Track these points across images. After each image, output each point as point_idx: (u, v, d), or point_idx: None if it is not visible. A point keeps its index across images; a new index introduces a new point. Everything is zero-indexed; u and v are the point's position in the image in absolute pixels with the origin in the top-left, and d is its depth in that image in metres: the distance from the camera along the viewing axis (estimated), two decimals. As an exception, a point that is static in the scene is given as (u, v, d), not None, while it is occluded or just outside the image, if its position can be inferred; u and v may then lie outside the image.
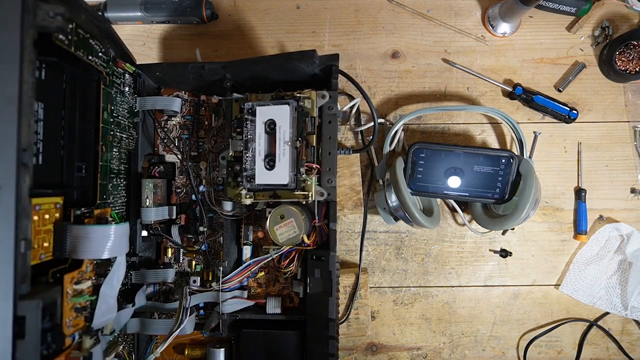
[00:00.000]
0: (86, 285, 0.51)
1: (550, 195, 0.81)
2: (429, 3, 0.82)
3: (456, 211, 0.79)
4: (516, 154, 0.71)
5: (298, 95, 0.64)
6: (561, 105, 0.78)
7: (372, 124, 0.73)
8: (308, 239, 0.65)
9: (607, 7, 0.81)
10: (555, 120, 0.80)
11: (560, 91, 0.81)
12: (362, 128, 0.80)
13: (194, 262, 0.74)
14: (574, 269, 0.80)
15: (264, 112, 0.63)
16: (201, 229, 0.72)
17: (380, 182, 0.76)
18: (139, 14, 0.78)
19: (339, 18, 0.82)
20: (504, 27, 0.80)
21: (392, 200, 0.70)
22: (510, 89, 0.80)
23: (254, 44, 0.82)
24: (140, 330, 0.67)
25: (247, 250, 0.73)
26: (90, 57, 0.55)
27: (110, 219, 0.58)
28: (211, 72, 0.68)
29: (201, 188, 0.72)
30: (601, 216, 0.81)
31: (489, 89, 0.81)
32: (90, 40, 0.55)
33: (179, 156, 0.73)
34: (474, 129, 0.81)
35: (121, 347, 0.66)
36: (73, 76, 0.53)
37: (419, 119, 0.81)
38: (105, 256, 0.51)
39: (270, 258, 0.70)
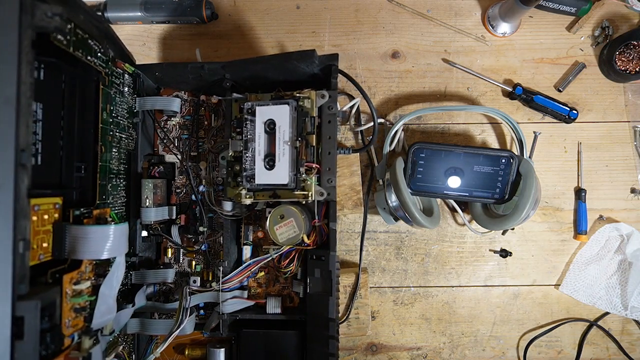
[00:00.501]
0: (85, 285, 0.51)
1: (550, 195, 0.81)
2: (429, 3, 0.82)
3: (456, 211, 0.79)
4: (516, 154, 0.71)
5: (298, 95, 0.64)
6: (561, 105, 0.78)
7: (372, 123, 0.72)
8: (308, 238, 0.65)
9: (607, 7, 0.81)
10: (555, 120, 0.80)
11: (560, 91, 0.81)
12: (362, 128, 0.80)
13: (194, 262, 0.73)
14: (574, 269, 0.80)
15: (263, 112, 0.63)
16: (201, 229, 0.72)
17: (380, 182, 0.76)
18: (139, 14, 0.78)
19: (339, 18, 0.82)
20: (504, 27, 0.80)
21: (392, 200, 0.70)
22: (510, 89, 0.80)
23: (254, 44, 0.82)
24: (140, 330, 0.67)
25: (247, 250, 0.73)
26: (89, 58, 0.55)
27: (109, 219, 0.58)
28: (211, 72, 0.68)
29: (201, 188, 0.72)
30: (601, 216, 0.81)
31: (489, 89, 0.81)
32: (89, 41, 0.55)
33: (179, 156, 0.73)
34: (474, 129, 0.81)
35: (121, 347, 0.66)
36: (72, 76, 0.53)
37: (419, 119, 0.81)
38: (105, 256, 0.51)
39: (270, 258, 0.70)
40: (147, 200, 0.68)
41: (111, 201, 0.63)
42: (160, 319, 0.72)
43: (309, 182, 0.63)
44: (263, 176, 0.63)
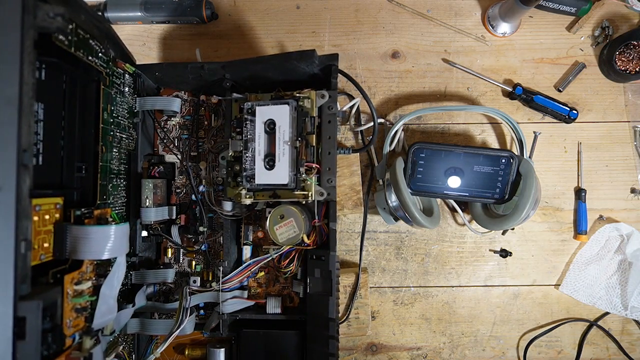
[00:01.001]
0: (86, 285, 0.51)
1: (550, 195, 0.81)
2: (429, 3, 0.82)
3: (456, 211, 0.79)
4: (516, 154, 0.71)
5: (298, 95, 0.64)
6: (561, 105, 0.78)
7: (372, 123, 0.73)
8: (308, 238, 0.65)
9: (607, 7, 0.81)
10: (555, 120, 0.80)
11: (560, 91, 0.81)
12: (362, 128, 0.80)
13: (194, 262, 0.74)
14: (574, 269, 0.80)
15: (263, 112, 0.63)
16: (201, 229, 0.72)
17: (380, 182, 0.76)
18: (139, 14, 0.78)
19: (339, 18, 0.82)
20: (504, 27, 0.80)
21: (392, 200, 0.70)
22: (510, 89, 0.80)
23: (254, 44, 0.82)
24: (140, 330, 0.67)
25: (247, 250, 0.73)
26: (90, 58, 0.55)
27: (110, 219, 0.58)
28: (211, 72, 0.68)
29: (201, 188, 0.72)
30: (601, 216, 0.81)
31: (489, 89, 0.81)
32: (90, 41, 0.55)
33: (179, 156, 0.73)
34: (474, 129, 0.81)
35: (121, 347, 0.66)
36: (73, 76, 0.53)
37: (419, 119, 0.81)
38: (105, 257, 0.51)
39: (270, 258, 0.70)
40: (147, 200, 0.68)
41: (112, 201, 0.63)
42: (160, 319, 0.72)
43: (309, 182, 0.63)
44: (263, 176, 0.63)
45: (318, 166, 0.63)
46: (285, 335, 0.68)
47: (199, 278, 0.72)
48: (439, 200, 0.79)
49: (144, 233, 0.71)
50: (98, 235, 0.50)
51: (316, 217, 0.66)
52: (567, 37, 0.82)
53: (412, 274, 0.81)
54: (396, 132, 0.77)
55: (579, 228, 0.79)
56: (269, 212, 0.66)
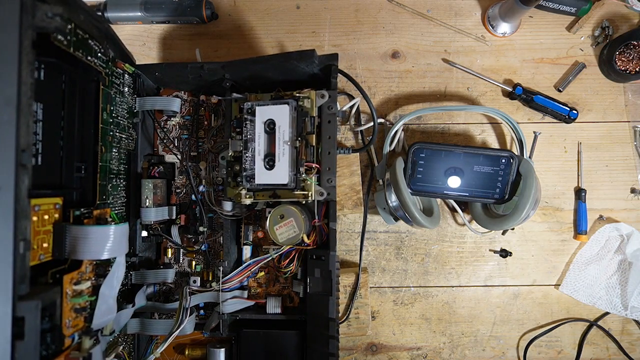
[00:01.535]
0: (85, 285, 0.51)
1: (550, 195, 0.81)
2: (429, 3, 0.82)
3: (456, 211, 0.79)
4: (516, 154, 0.71)
5: (297, 95, 0.64)
6: (561, 105, 0.78)
7: (372, 123, 0.73)
8: (308, 238, 0.65)
9: (607, 7, 0.81)
10: (555, 120, 0.80)
11: (560, 91, 0.81)
12: (362, 128, 0.80)
13: (194, 262, 0.73)
14: (574, 269, 0.80)
15: (263, 112, 0.63)
16: (201, 229, 0.72)
17: (380, 182, 0.76)
18: (139, 14, 0.78)
19: (339, 18, 0.82)
20: (504, 27, 0.80)
21: (392, 200, 0.70)
22: (510, 89, 0.80)
23: (254, 44, 0.82)
24: (140, 330, 0.67)
25: (247, 250, 0.73)
26: (89, 58, 0.55)
27: (109, 219, 0.58)
28: (210, 72, 0.68)
29: (201, 188, 0.72)
30: (601, 216, 0.81)
31: (489, 89, 0.81)
32: (89, 41, 0.55)
33: (179, 156, 0.73)
34: (474, 129, 0.81)
35: (121, 347, 0.66)
36: (72, 77, 0.53)
37: (419, 119, 0.81)
38: (105, 257, 0.51)
39: (270, 258, 0.70)
40: (147, 200, 0.68)
41: (111, 201, 0.63)
42: (160, 319, 0.72)
43: (308, 182, 0.63)
44: (263, 176, 0.63)
45: (318, 166, 0.63)
46: (285, 335, 0.68)
47: (199, 278, 0.72)
48: (439, 200, 0.79)
49: (144, 233, 0.71)
50: (97, 235, 0.50)
51: (316, 217, 0.66)
52: (567, 37, 0.81)
53: (412, 274, 0.81)
54: (396, 132, 0.77)
55: (579, 228, 0.79)
56: (269, 212, 0.66)
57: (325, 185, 0.64)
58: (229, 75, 0.69)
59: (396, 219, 0.75)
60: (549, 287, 0.81)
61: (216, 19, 0.82)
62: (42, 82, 0.48)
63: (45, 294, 0.44)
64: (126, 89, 0.67)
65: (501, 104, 0.81)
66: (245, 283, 0.72)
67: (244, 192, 0.65)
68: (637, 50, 0.77)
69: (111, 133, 0.62)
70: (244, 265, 0.70)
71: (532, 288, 0.81)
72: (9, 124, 0.36)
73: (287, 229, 0.65)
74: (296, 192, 0.63)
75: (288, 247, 0.68)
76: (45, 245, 0.46)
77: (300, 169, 0.62)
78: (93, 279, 0.54)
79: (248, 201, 0.65)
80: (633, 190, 0.81)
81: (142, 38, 0.82)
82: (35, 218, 0.44)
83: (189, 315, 0.66)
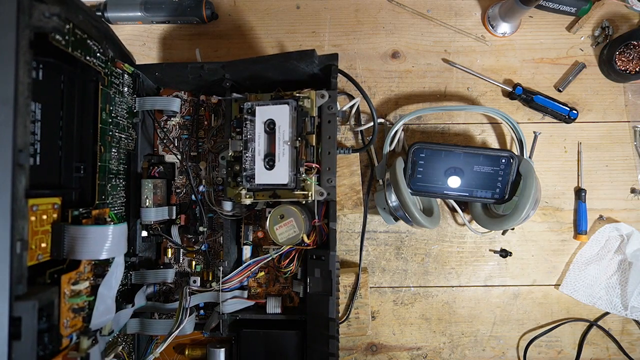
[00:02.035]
0: (84, 285, 0.51)
1: (550, 195, 0.81)
2: (429, 3, 0.82)
3: (456, 211, 0.78)
4: (516, 154, 0.71)
5: (297, 94, 0.64)
6: (561, 105, 0.78)
7: (372, 123, 0.72)
8: (308, 238, 0.65)
9: (607, 7, 0.80)
10: (555, 120, 0.80)
11: (560, 91, 0.80)
12: (362, 128, 0.79)
13: (194, 262, 0.73)
14: (574, 269, 0.80)
15: (263, 112, 0.63)
16: (201, 229, 0.72)
17: (380, 182, 0.76)
18: (139, 14, 0.78)
19: (339, 18, 0.82)
20: (504, 27, 0.79)
21: (392, 200, 0.70)
22: (510, 89, 0.80)
23: (254, 44, 0.82)
24: (140, 330, 0.67)
25: (247, 250, 0.73)
26: (88, 58, 0.55)
27: (108, 219, 0.58)
28: (210, 72, 0.68)
29: (201, 188, 0.72)
30: (601, 216, 0.81)
31: (489, 89, 0.81)
32: (88, 41, 0.55)
33: (179, 156, 0.73)
34: (474, 129, 0.81)
35: (121, 347, 0.66)
36: (71, 76, 0.53)
37: (419, 119, 0.81)
38: (103, 257, 0.51)
39: (270, 258, 0.70)
40: (147, 200, 0.68)
41: (110, 201, 0.63)
42: (160, 319, 0.72)
43: (308, 182, 0.63)
44: (263, 176, 0.63)
45: (318, 166, 0.63)
46: (285, 335, 0.68)
47: (199, 278, 0.72)
48: (439, 200, 0.79)
49: (144, 233, 0.71)
50: (96, 235, 0.50)
51: (316, 217, 0.66)
52: (567, 37, 0.81)
53: (412, 274, 0.81)
54: (396, 132, 0.77)
55: (579, 228, 0.79)
56: (269, 212, 0.65)
57: (325, 185, 0.64)
58: (229, 75, 0.69)
59: (396, 219, 0.75)
60: (549, 287, 0.81)
61: (216, 19, 0.82)
62: (41, 82, 0.48)
63: (42, 294, 0.43)
64: (126, 89, 0.67)
65: (501, 104, 0.81)
66: (245, 283, 0.72)
67: (244, 192, 0.65)
68: (637, 50, 0.76)
69: (110, 133, 0.62)
70: (244, 265, 0.70)
71: (532, 288, 0.81)
72: (6, 124, 0.36)
73: (287, 229, 0.65)
74: (296, 192, 0.63)
75: (288, 247, 0.68)
76: (43, 245, 0.46)
77: (300, 169, 0.62)
78: (91, 279, 0.54)
79: (248, 201, 0.64)
80: (633, 190, 0.80)
81: (142, 38, 0.82)
82: (33, 218, 0.44)
83: (189, 315, 0.66)
